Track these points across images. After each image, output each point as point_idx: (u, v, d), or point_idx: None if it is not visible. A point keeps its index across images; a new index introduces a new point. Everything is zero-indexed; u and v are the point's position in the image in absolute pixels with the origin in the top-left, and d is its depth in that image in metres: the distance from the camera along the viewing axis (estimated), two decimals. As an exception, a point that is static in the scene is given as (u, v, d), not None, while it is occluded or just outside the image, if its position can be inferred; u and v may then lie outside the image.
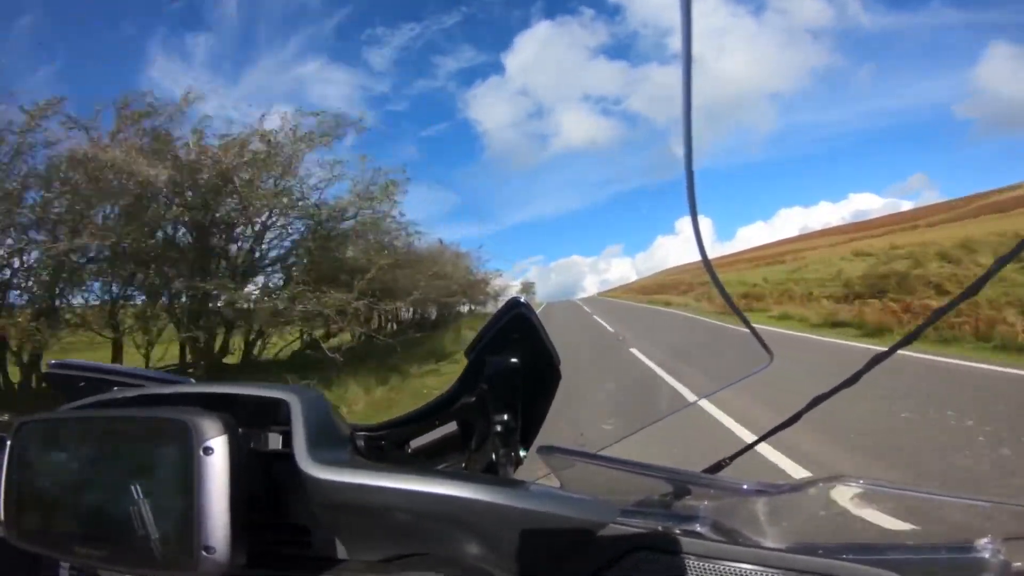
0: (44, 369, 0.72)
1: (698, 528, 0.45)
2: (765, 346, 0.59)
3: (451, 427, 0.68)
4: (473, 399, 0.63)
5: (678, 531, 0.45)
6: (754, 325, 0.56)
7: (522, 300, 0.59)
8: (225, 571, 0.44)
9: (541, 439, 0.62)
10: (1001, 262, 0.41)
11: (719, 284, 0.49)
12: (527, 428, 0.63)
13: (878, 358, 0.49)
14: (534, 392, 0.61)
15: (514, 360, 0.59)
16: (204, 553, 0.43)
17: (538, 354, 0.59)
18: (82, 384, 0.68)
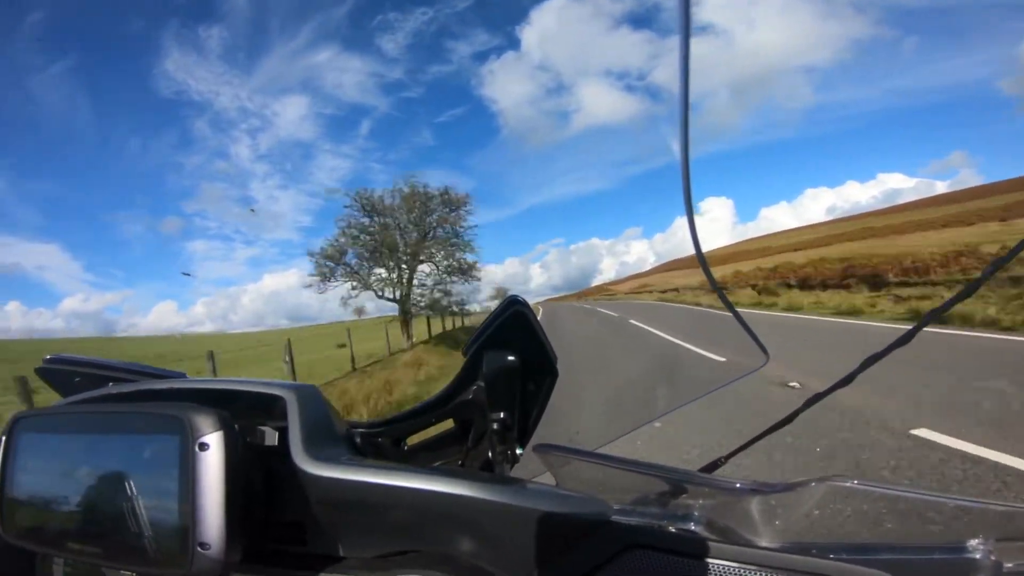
0: (39, 364, 0.71)
1: (693, 527, 0.46)
2: (761, 346, 0.59)
3: (448, 425, 0.68)
4: (470, 397, 0.63)
5: (673, 529, 0.45)
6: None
7: (520, 298, 0.59)
8: (220, 567, 0.44)
9: (537, 437, 0.62)
10: (997, 264, 0.41)
11: (714, 282, 0.49)
12: (524, 426, 0.63)
13: (873, 358, 0.49)
14: (531, 390, 0.61)
15: (511, 358, 0.59)
16: (199, 549, 0.43)
17: (535, 352, 0.59)
18: (77, 379, 0.68)
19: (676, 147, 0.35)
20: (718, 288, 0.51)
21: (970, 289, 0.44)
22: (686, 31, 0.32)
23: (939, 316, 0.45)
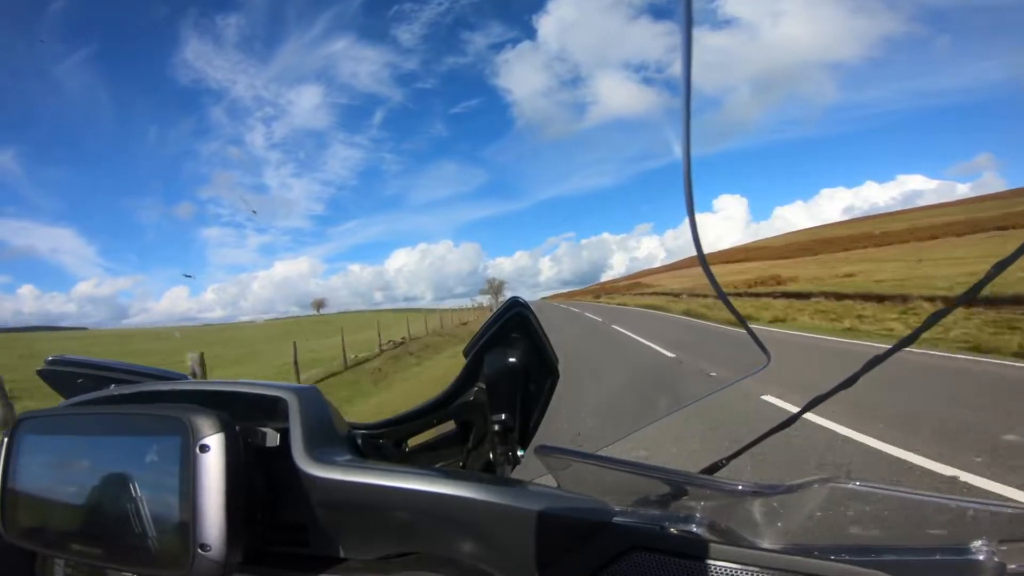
0: (42, 366, 0.71)
1: (694, 528, 0.45)
2: (763, 347, 0.59)
3: (449, 426, 0.68)
4: (471, 398, 0.63)
5: (675, 531, 0.45)
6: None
7: (521, 299, 0.59)
8: (220, 569, 0.44)
9: (538, 439, 0.62)
10: (1000, 267, 0.41)
11: (717, 285, 0.49)
12: (525, 428, 0.63)
13: (876, 360, 0.49)
14: (532, 392, 0.61)
15: (512, 360, 0.58)
16: (200, 551, 0.43)
17: (537, 354, 0.59)
18: (80, 380, 0.68)
19: (678, 149, 0.35)
20: (721, 292, 0.51)
21: (973, 291, 0.44)
22: (688, 30, 0.32)
23: (944, 316, 0.45)
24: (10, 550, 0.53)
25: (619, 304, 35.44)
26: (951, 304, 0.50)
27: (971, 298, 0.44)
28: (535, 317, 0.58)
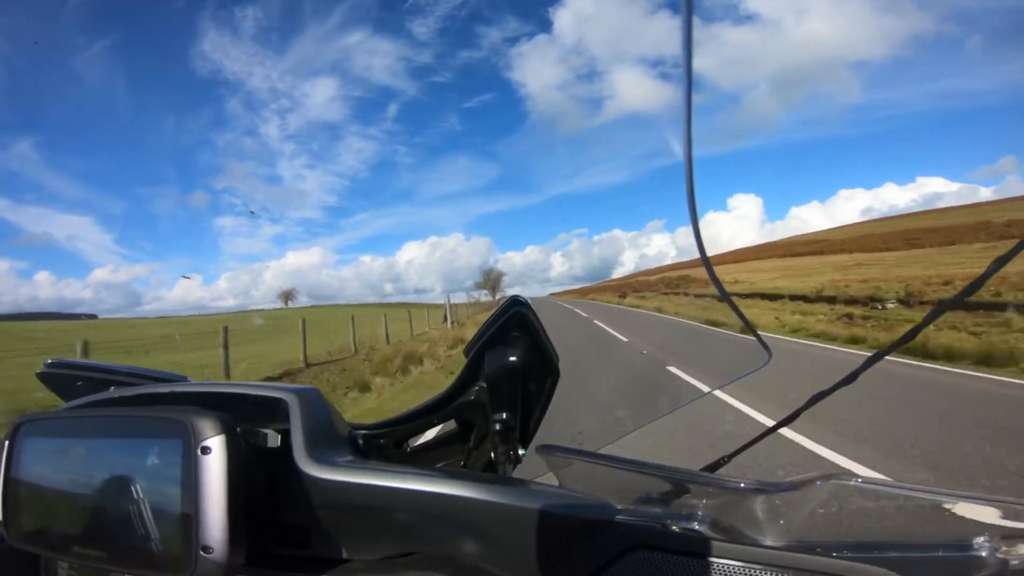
0: (41, 368, 0.71)
1: (697, 526, 0.45)
2: (765, 346, 0.59)
3: (450, 426, 0.68)
4: (472, 398, 0.63)
5: (677, 529, 0.45)
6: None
7: (521, 298, 0.59)
8: (223, 571, 0.44)
9: (539, 438, 0.62)
10: (1000, 262, 0.41)
11: (719, 285, 0.49)
12: (526, 427, 0.63)
13: (876, 356, 0.49)
14: (533, 391, 0.61)
15: (513, 359, 0.59)
16: (202, 553, 0.43)
17: (537, 352, 0.59)
18: (79, 383, 0.68)
19: (679, 148, 0.35)
20: (724, 291, 0.51)
21: (973, 287, 0.44)
22: (688, 30, 0.32)
23: (944, 312, 0.45)
24: (13, 553, 0.53)
25: (700, 320, 14.50)
26: (952, 302, 0.50)
27: (972, 294, 0.44)
28: (535, 315, 0.58)
